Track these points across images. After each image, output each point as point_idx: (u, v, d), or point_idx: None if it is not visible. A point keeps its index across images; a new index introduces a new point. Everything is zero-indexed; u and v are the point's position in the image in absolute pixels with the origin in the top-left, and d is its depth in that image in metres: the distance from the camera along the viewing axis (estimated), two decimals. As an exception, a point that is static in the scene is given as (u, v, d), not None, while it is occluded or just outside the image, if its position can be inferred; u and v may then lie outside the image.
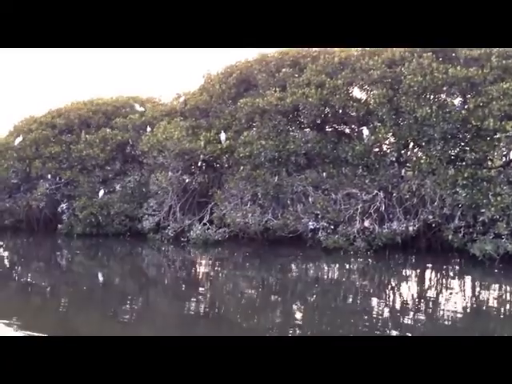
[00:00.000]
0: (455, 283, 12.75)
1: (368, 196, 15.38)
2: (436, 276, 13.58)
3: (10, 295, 10.96)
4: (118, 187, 19.65)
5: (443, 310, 9.71)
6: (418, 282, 12.71)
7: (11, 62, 52.28)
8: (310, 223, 15.79)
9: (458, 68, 13.99)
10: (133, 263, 15.68)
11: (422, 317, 9.23)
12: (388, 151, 15.68)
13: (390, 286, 12.43)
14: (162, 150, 17.80)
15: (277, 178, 16.35)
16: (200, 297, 10.89)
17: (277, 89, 16.76)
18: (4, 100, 48.79)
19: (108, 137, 20.18)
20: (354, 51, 16.32)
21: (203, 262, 15.81)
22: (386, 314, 9.50)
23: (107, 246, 18.14)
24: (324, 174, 16.08)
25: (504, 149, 14.27)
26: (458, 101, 14.91)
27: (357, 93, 16.55)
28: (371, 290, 11.73)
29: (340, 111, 16.20)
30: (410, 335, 7.88)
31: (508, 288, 12.00)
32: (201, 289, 11.87)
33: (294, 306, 10.29)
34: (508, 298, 11.27)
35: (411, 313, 9.45)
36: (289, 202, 16.42)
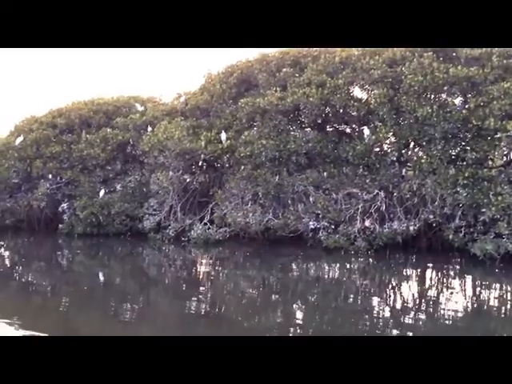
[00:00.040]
0: (456, 283, 12.75)
1: (369, 196, 15.38)
2: (437, 276, 13.58)
3: (11, 295, 10.97)
4: (118, 187, 19.66)
5: (444, 309, 9.70)
6: (419, 281, 12.71)
7: (11, 62, 52.30)
8: (311, 223, 15.78)
9: (459, 68, 13.98)
10: (133, 263, 15.68)
11: (422, 316, 9.23)
12: (389, 151, 15.67)
13: (390, 286, 12.43)
14: (163, 150, 17.81)
15: (277, 177, 16.35)
16: (201, 296, 10.89)
17: (277, 88, 16.75)
18: (5, 100, 48.84)
19: (109, 136, 20.18)
20: (355, 51, 16.29)
21: (204, 261, 15.81)
22: (387, 313, 9.50)
23: (108, 246, 18.14)
24: (325, 173, 16.08)
25: (505, 148, 14.25)
26: (458, 100, 14.91)
27: (357, 92, 16.56)
28: (372, 290, 11.73)
29: (341, 111, 16.19)
30: (410, 335, 7.88)
31: (509, 288, 12.00)
32: (201, 288, 11.87)
33: (295, 306, 10.29)
34: (509, 297, 11.27)
35: (412, 312, 9.45)
36: (289, 201, 16.41)
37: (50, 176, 20.58)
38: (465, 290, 11.72)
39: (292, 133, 16.69)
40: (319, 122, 16.69)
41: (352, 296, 11.10)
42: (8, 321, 8.26)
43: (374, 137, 15.20)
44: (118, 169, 20.27)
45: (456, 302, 10.09)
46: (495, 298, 10.92)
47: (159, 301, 10.82)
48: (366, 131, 15.56)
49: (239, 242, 16.94)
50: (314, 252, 15.38)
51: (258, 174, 16.42)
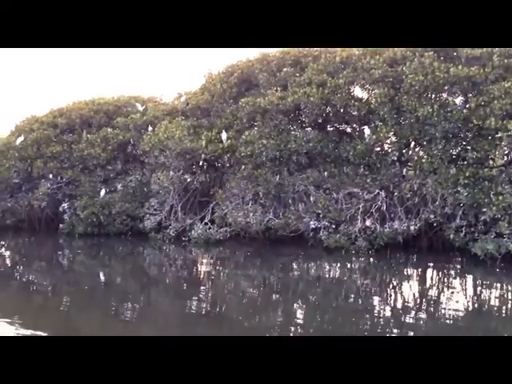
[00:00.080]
0: (456, 282, 12.75)
1: (369, 195, 15.37)
2: (437, 275, 13.57)
3: (12, 294, 10.98)
4: (119, 187, 19.66)
5: (445, 309, 9.70)
6: (420, 281, 12.71)
7: (12, 62, 52.32)
8: (312, 222, 15.78)
9: (460, 67, 13.96)
10: (134, 263, 15.68)
11: (423, 316, 9.23)
12: (389, 150, 15.66)
13: (391, 285, 12.43)
14: (164, 150, 17.81)
15: (278, 177, 16.35)
16: (201, 296, 10.90)
17: (278, 88, 16.74)
18: (5, 100, 48.85)
19: (109, 136, 20.19)
20: (356, 50, 16.27)
21: (204, 261, 15.82)
22: (388, 313, 9.50)
23: (109, 246, 18.15)
24: (325, 173, 16.07)
25: (505, 148, 14.24)
26: (459, 100, 14.90)
27: (358, 92, 16.56)
28: (373, 290, 11.72)
29: (341, 110, 16.18)
30: (411, 335, 7.87)
31: (509, 287, 12.00)
32: (202, 288, 11.87)
33: (296, 305, 10.29)
34: (509, 297, 11.27)
35: (413, 312, 9.45)
36: (290, 201, 16.41)
37: (51, 176, 20.58)
38: (465, 290, 11.72)
39: (293, 132, 16.69)
40: (320, 121, 16.68)
41: (353, 296, 11.10)
42: (9, 320, 8.27)
43: (374, 136, 15.19)
44: (118, 168, 20.28)
45: (457, 302, 10.08)
46: (496, 297, 10.91)
47: (160, 300, 10.83)
48: (367, 131, 15.55)
49: (240, 241, 16.94)
50: (314, 252, 15.38)
51: (258, 173, 16.42)
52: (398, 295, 11.25)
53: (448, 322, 8.76)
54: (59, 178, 20.67)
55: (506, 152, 14.64)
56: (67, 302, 10.31)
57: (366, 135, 15.52)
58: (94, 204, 19.24)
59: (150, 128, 19.31)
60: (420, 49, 14.78)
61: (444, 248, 15.03)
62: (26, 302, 10.30)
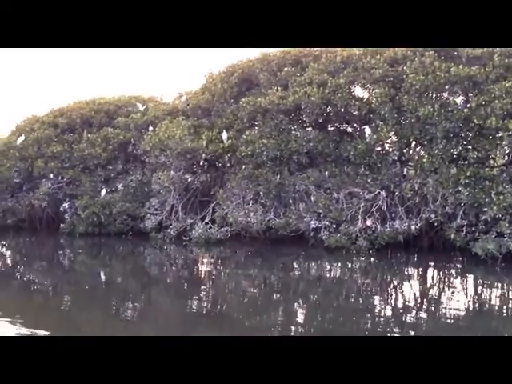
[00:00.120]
0: (457, 282, 12.75)
1: (370, 195, 15.37)
2: (438, 275, 13.57)
3: (13, 294, 10.98)
4: (120, 186, 19.67)
5: (445, 308, 9.70)
6: (420, 280, 12.71)
7: (13, 62, 52.34)
8: (312, 222, 15.78)
9: (461, 67, 13.95)
10: (135, 262, 15.69)
11: (424, 315, 9.23)
12: (390, 150, 15.65)
13: (392, 285, 12.42)
14: (164, 149, 17.81)
15: (279, 176, 16.35)
16: (202, 296, 10.90)
17: (279, 88, 16.74)
18: (6, 100, 48.88)
19: (110, 136, 20.19)
20: (356, 50, 16.27)
21: (205, 261, 15.82)
22: (389, 312, 9.50)
23: (109, 246, 18.16)
24: (326, 172, 16.07)
25: (506, 147, 14.25)
26: (460, 99, 14.90)
27: (359, 92, 16.56)
28: (373, 289, 11.72)
29: (342, 110, 16.16)
30: (411, 335, 7.87)
31: (510, 287, 12.00)
32: (203, 288, 11.87)
33: (296, 305, 10.29)
34: (510, 296, 11.27)
35: (413, 311, 9.45)
36: (291, 200, 16.41)
37: (52, 175, 20.59)
38: (466, 290, 11.72)
39: (293, 132, 16.68)
40: (320, 121, 16.67)
41: (353, 295, 11.10)
42: (10, 320, 8.28)
43: (375, 136, 15.19)
44: (119, 168, 20.28)
45: (457, 302, 10.08)
46: (497, 297, 10.92)
47: (161, 300, 10.83)
48: (368, 130, 15.54)
49: (240, 241, 16.94)
50: (315, 251, 15.37)
51: (259, 173, 16.42)
52: (399, 295, 11.24)
53: (449, 321, 8.76)
54: (60, 177, 20.67)
55: (507, 151, 14.65)
56: (68, 302, 10.32)
57: (366, 135, 15.51)
58: (95, 204, 19.25)
59: (150, 128, 19.31)
60: (421, 48, 14.78)
61: (445, 248, 15.02)
62: (27, 301, 10.30)
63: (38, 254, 17.43)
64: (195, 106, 19.11)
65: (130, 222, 19.14)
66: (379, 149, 15.70)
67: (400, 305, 10.14)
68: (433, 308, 9.83)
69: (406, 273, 13.77)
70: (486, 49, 13.99)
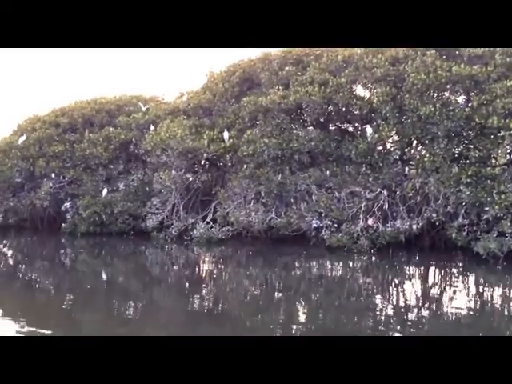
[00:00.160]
0: (459, 281, 12.72)
1: (371, 194, 15.37)
2: (440, 274, 13.55)
3: (15, 293, 10.98)
4: (121, 186, 19.70)
5: (447, 307, 9.69)
6: (422, 280, 12.69)
7: (13, 62, 52.37)
8: (314, 221, 15.78)
9: (462, 66, 13.94)
10: (136, 262, 15.69)
11: (425, 314, 9.21)
12: (391, 149, 15.66)
13: (393, 284, 12.41)
14: (166, 149, 17.82)
15: (280, 176, 16.35)
16: (204, 295, 10.89)
17: (280, 87, 16.74)
18: (7, 100, 48.92)
19: (111, 136, 20.22)
20: (358, 49, 16.27)
21: (207, 260, 15.82)
22: (390, 311, 9.48)
23: (111, 245, 18.17)
24: (327, 172, 16.07)
25: (508, 147, 14.26)
26: (461, 99, 14.89)
27: (360, 91, 16.56)
28: (375, 288, 11.71)
29: (343, 109, 16.17)
30: (412, 335, 7.86)
31: (512, 286, 11.98)
32: (204, 287, 11.87)
33: (298, 304, 10.28)
34: (512, 296, 11.25)
35: (415, 310, 9.44)
36: (292, 200, 16.42)
37: (53, 175, 20.63)
38: (468, 289, 11.70)
39: (294, 131, 16.68)
40: (322, 120, 16.68)
41: (355, 294, 11.08)
42: (12, 319, 8.29)
43: (376, 135, 15.18)
44: (120, 168, 20.31)
45: (459, 301, 10.07)
46: (498, 296, 10.90)
47: (162, 299, 10.83)
48: (369, 130, 15.55)
49: (242, 240, 16.95)
50: (316, 251, 15.38)
51: (260, 172, 16.42)
52: (400, 294, 11.23)
53: (450, 320, 8.74)
54: (61, 177, 20.72)
55: (509, 151, 14.66)
56: (69, 301, 10.31)
57: (368, 134, 15.51)
58: (96, 203, 19.28)
59: (151, 127, 19.33)
60: (422, 48, 14.76)
61: (446, 247, 15.02)
62: (29, 301, 10.29)
63: (40, 253, 17.44)
64: (196, 106, 19.13)
65: (132, 221, 19.18)
66: (380, 148, 15.71)
67: (401, 304, 10.12)
68: (434, 307, 9.81)
69: (407, 272, 13.75)
70: (487, 48, 13.97)
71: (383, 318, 9.00)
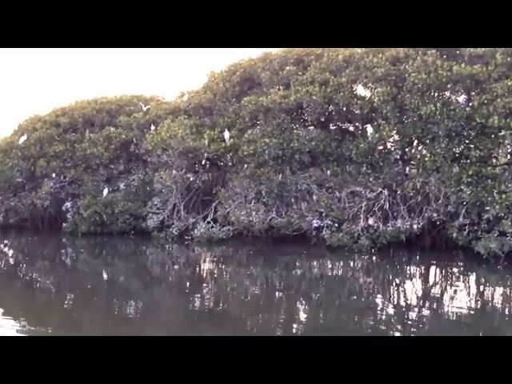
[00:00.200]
0: (459, 281, 12.72)
1: (372, 194, 15.36)
2: (440, 274, 13.55)
3: (16, 293, 10.99)
4: (122, 186, 19.71)
5: (448, 307, 9.70)
6: (423, 279, 12.69)
7: (14, 62, 52.41)
8: (314, 221, 15.78)
9: (463, 65, 13.93)
10: (137, 262, 15.70)
11: (426, 314, 9.21)
12: (392, 149, 15.66)
13: (394, 284, 12.41)
14: (166, 149, 17.83)
15: (281, 176, 16.35)
16: (204, 294, 10.89)
17: (280, 87, 16.74)
18: (8, 100, 48.95)
19: (112, 135, 20.22)
20: (358, 49, 16.27)
21: (207, 260, 15.82)
22: (391, 311, 9.48)
23: (112, 245, 18.18)
24: (328, 171, 16.06)
25: (509, 146, 14.25)
26: (462, 98, 14.88)
27: (361, 90, 16.55)
28: (375, 288, 11.71)
29: (344, 109, 16.16)
30: (412, 335, 7.85)
31: (513, 286, 11.97)
32: (205, 287, 11.87)
33: (299, 304, 10.28)
34: (513, 295, 11.24)
35: (416, 310, 9.43)
36: (293, 200, 16.42)
37: (54, 175, 20.65)
38: (469, 288, 11.70)
39: (295, 131, 16.68)
40: (322, 120, 16.67)
41: (356, 294, 11.08)
42: (12, 319, 8.29)
43: (377, 135, 15.18)
44: (121, 168, 20.32)
45: (460, 300, 10.07)
46: (499, 296, 10.89)
47: (163, 299, 10.83)
48: (370, 129, 15.54)
49: (242, 240, 16.95)
50: (317, 250, 15.38)
51: (261, 172, 16.42)
52: (401, 294, 11.22)
53: (451, 320, 8.74)
54: (62, 177, 20.73)
55: (510, 150, 14.65)
56: (70, 301, 10.33)
57: (368, 134, 15.51)
58: (97, 203, 19.29)
59: (152, 127, 19.33)
60: (423, 47, 14.75)
61: (447, 246, 15.01)
62: (30, 300, 10.30)
63: (41, 253, 17.45)
64: (197, 105, 19.13)
65: (132, 221, 19.19)
66: (381, 148, 15.70)
67: (402, 303, 10.11)
68: (435, 307, 9.81)
69: (408, 272, 13.75)
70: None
71: (384, 317, 9.00)
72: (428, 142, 14.75)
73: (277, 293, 11.35)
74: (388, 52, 15.27)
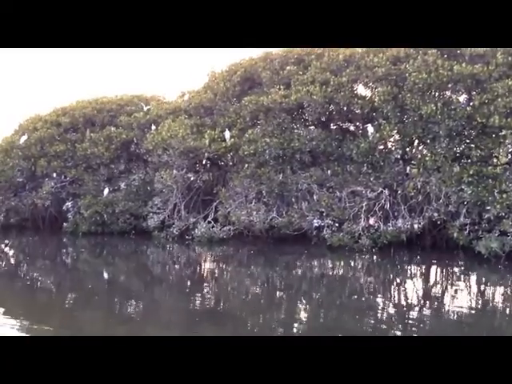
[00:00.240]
0: (460, 281, 12.71)
1: (373, 194, 15.36)
2: (441, 273, 13.55)
3: (16, 293, 11.00)
4: (122, 185, 19.71)
5: (448, 307, 9.69)
6: (423, 279, 12.69)
7: (14, 62, 52.43)
8: (315, 221, 15.77)
9: (463, 65, 13.92)
10: (138, 261, 15.71)
11: (427, 314, 9.21)
12: (393, 148, 15.64)
13: (395, 284, 12.41)
14: (167, 148, 17.83)
15: (281, 175, 16.35)
16: (205, 294, 10.90)
17: (281, 86, 16.74)
18: (9, 99, 48.98)
19: (113, 135, 20.22)
20: (359, 49, 16.25)
21: (208, 259, 15.83)
22: (392, 310, 9.48)
23: (112, 245, 18.19)
24: (329, 171, 16.06)
25: (509, 146, 14.22)
26: (463, 98, 14.87)
27: (361, 90, 16.54)
28: (376, 288, 11.71)
29: (344, 109, 16.15)
30: (413, 335, 7.85)
31: (513, 285, 11.96)
32: (206, 286, 11.88)
33: (299, 303, 10.28)
34: (513, 295, 11.23)
35: (416, 310, 9.43)
36: (293, 199, 16.42)
37: (55, 175, 20.66)
38: (469, 288, 11.69)
39: (296, 131, 16.66)
40: (323, 119, 16.67)
41: (356, 294, 11.08)
42: (13, 318, 8.29)
43: (378, 134, 15.17)
44: (122, 167, 20.32)
45: (460, 300, 10.06)
46: (500, 295, 10.89)
47: (163, 298, 10.83)
48: (370, 129, 15.54)
49: (243, 240, 16.95)
50: (318, 250, 15.37)
51: (261, 172, 16.42)
52: (402, 293, 11.22)
53: (451, 320, 8.74)
54: (63, 176, 20.74)
55: (510, 150, 14.64)
56: (71, 301, 10.34)
57: (369, 133, 15.51)
58: (98, 203, 19.29)
59: (153, 127, 19.34)
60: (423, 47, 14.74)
61: (448, 246, 15.00)
62: (30, 300, 10.31)
63: (41, 252, 17.47)
64: (198, 105, 19.12)
65: (133, 220, 19.20)
66: (382, 147, 15.70)
67: (403, 303, 10.11)
68: (436, 307, 9.81)
69: (408, 271, 13.75)
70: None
71: (384, 317, 9.00)
72: (429, 141, 14.75)
73: (277, 292, 11.35)
74: (389, 52, 15.26)
